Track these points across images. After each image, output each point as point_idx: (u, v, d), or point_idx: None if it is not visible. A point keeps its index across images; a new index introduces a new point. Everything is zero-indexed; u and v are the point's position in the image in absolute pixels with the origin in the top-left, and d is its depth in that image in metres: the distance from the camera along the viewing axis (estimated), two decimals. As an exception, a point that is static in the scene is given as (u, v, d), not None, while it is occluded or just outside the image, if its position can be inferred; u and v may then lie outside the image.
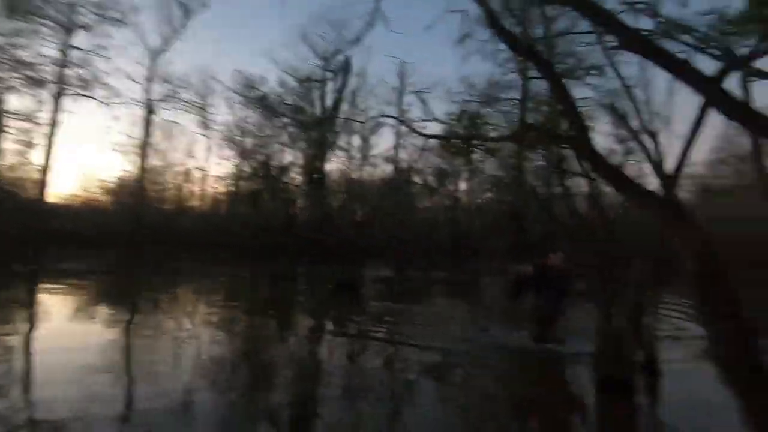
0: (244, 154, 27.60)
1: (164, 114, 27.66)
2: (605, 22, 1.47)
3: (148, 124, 26.21)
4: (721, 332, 1.13)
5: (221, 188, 30.04)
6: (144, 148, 26.21)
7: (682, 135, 3.17)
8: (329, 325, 6.89)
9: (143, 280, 12.69)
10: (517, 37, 1.96)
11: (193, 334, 5.62)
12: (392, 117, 24.77)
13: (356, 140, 28.45)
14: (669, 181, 2.29)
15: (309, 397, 3.65)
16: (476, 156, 21.99)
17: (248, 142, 28.01)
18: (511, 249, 21.91)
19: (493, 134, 6.83)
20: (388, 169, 26.90)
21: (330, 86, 23.49)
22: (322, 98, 23.88)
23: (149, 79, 26.05)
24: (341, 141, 24.87)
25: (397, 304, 9.20)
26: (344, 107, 24.40)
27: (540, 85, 24.97)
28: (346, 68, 21.67)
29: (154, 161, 28.76)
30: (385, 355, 4.95)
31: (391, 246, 23.24)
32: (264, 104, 19.67)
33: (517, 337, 5.48)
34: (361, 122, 21.09)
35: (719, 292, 1.18)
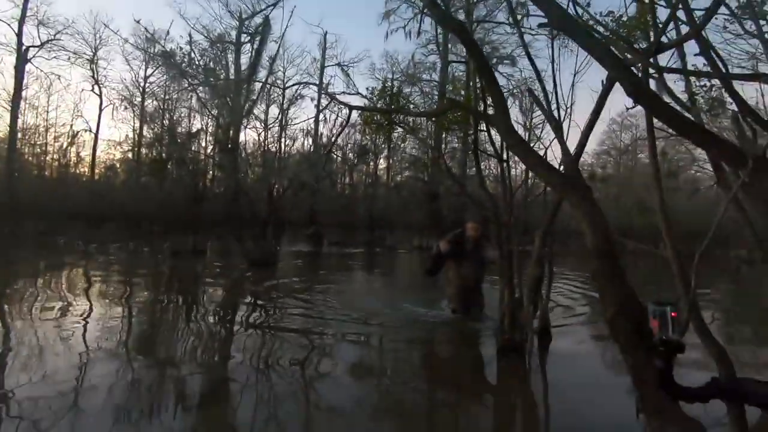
0: (145, 117, 24.84)
1: (43, 64, 23.74)
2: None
3: (20, 74, 22.23)
4: (614, 299, 1.29)
5: (117, 155, 26.87)
6: (16, 103, 22.25)
7: (581, 124, 3.47)
8: (241, 299, 6.63)
9: (14, 259, 10.99)
10: (442, 9, 1.95)
11: (71, 320, 5.00)
12: (315, 84, 23.94)
13: (274, 110, 27.15)
14: (572, 165, 2.50)
15: (219, 368, 3.46)
16: (396, 135, 22.29)
17: (150, 104, 25.27)
18: (426, 225, 22.85)
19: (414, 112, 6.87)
20: (307, 142, 26.23)
21: (247, 50, 21.86)
22: (237, 62, 22.19)
23: (22, 20, 21.97)
24: (257, 110, 23.51)
25: (313, 279, 9.13)
26: (261, 74, 22.98)
27: (459, 69, 26.02)
28: (264, 30, 20.29)
29: (29, 119, 24.75)
30: (299, 328, 4.86)
31: (309, 221, 22.86)
32: (170, 63, 17.72)
33: (435, 312, 5.50)
34: (281, 88, 20.09)
35: (612, 265, 1.34)
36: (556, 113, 3.70)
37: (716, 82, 5.41)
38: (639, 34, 2.89)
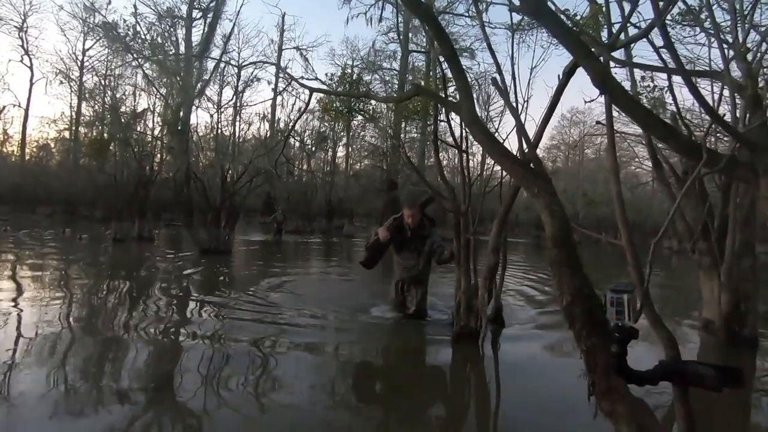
0: (84, 93, 22.96)
1: (-38, 29, 21.28)
2: None
3: (-66, 38, 19.78)
4: (570, 287, 1.34)
5: (52, 134, 24.74)
6: (-71, 70, 19.81)
7: (538, 116, 3.55)
8: (193, 295, 6.20)
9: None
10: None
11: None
12: (273, 64, 23.07)
13: (228, 93, 26.02)
14: (535, 156, 2.55)
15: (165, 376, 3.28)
16: (356, 123, 22.10)
17: (90, 79, 23.38)
18: (385, 213, 22.96)
19: (373, 100, 6.79)
20: (263, 127, 25.41)
21: (199, 26, 20.68)
22: (188, 38, 20.93)
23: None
24: (210, 90, 22.40)
25: (266, 271, 8.89)
26: (215, 53, 21.85)
27: (419, 59, 26.10)
28: (218, 4, 19.28)
29: (-54, 90, 22.15)
30: (250, 321, 4.69)
31: (265, 208, 22.24)
32: (112, 35, 16.38)
33: (381, 307, 5.14)
34: (236, 66, 19.19)
35: (569, 253, 1.38)
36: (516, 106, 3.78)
37: (659, 83, 5.76)
38: (591, 32, 2.99)
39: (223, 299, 5.66)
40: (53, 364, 3.06)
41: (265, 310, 5.00)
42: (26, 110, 23.74)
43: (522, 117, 3.70)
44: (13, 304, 4.73)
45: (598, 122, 5.24)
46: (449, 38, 2.04)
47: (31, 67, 23.31)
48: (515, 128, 2.41)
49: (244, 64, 22.99)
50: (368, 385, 3.30)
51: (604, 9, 2.24)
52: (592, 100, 1.89)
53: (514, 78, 3.75)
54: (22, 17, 22.48)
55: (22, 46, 22.82)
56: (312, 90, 3.56)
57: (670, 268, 13.31)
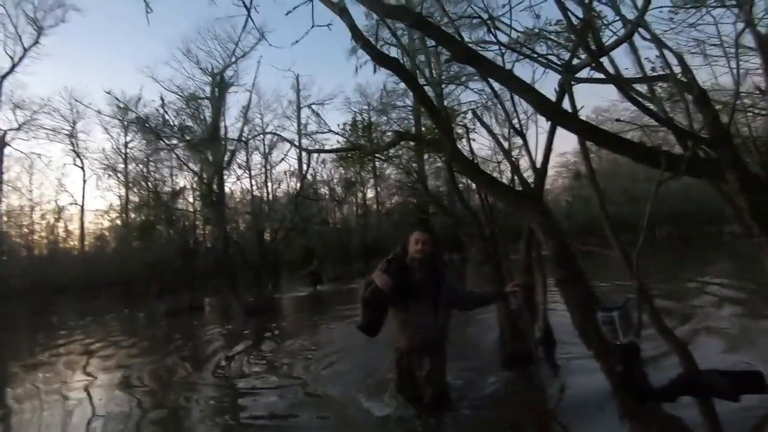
0: (129, 182, 24.96)
1: (22, 145, 24.01)
2: (436, 37, 1.60)
3: (0, 157, 22.41)
4: (579, 307, 1.29)
5: (105, 223, 26.83)
6: (-2, 186, 22.33)
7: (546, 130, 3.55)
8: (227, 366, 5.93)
9: (12, 341, 10.73)
10: (380, 51, 2.02)
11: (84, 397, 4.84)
12: (275, 134, 24.10)
13: (256, 157, 27.45)
14: (537, 174, 2.54)
15: None
16: (378, 164, 22.61)
17: (132, 169, 25.44)
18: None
19: (386, 141, 7.01)
20: (292, 183, 26.41)
21: (219, 103, 22.32)
22: (215, 116, 22.57)
23: (-3, 106, 22.34)
24: (239, 159, 23.73)
25: (309, 333, 8.84)
26: (238, 124, 23.38)
27: (431, 90, 26.66)
28: (222, 85, 20.90)
29: (13, 201, 24.73)
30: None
31: (305, 260, 22.69)
32: (145, 126, 17.99)
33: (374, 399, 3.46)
34: (243, 141, 20.30)
35: (572, 272, 1.35)
36: (517, 124, 3.81)
37: (677, 70, 5.61)
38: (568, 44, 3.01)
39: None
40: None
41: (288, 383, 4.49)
42: (82, 206, 25.96)
43: (533, 131, 3.70)
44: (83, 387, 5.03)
45: (617, 120, 5.17)
46: (418, 84, 2.14)
47: (82, 167, 25.68)
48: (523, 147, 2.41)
49: (250, 137, 23.76)
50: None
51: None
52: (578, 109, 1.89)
53: (512, 99, 3.80)
54: (71, 124, 25.07)
55: (74, 150, 25.27)
56: (309, 151, 3.74)
57: (730, 254, 12.28)
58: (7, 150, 22.77)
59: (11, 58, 22.60)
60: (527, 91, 1.34)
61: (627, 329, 1.03)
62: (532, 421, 2.96)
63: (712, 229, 23.90)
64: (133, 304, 17.02)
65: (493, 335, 5.15)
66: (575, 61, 2.93)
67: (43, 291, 18.66)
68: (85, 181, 25.98)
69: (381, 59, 2.09)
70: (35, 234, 26.05)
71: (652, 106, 3.02)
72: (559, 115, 1.35)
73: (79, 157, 25.54)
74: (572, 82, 1.89)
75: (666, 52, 2.23)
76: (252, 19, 3.53)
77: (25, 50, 22.83)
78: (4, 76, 22.47)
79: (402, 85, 27.70)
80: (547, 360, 4.27)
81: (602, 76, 2.21)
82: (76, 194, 26.52)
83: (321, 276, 17.32)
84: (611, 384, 1.36)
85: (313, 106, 26.70)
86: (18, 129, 23.13)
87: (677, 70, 2.46)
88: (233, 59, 22.40)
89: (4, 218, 23.11)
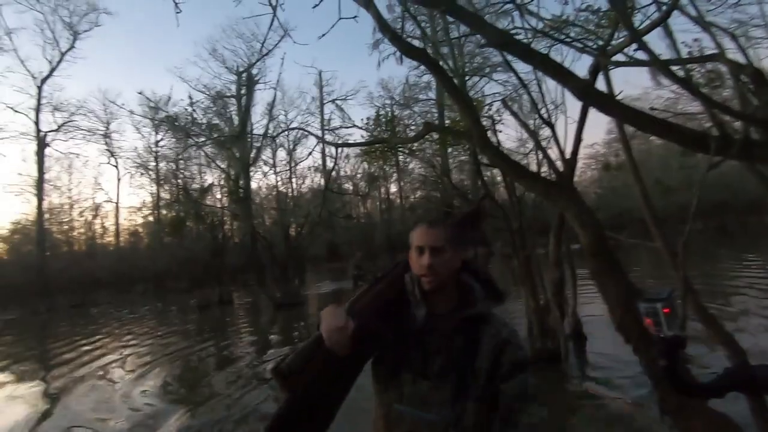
0: (160, 180, 25.79)
1: (61, 146, 25.12)
2: (471, 22, 1.57)
3: (41, 158, 23.52)
4: (617, 299, 1.25)
5: (138, 219, 27.85)
6: (40, 185, 23.44)
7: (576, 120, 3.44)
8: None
9: (54, 333, 11.31)
10: (407, 42, 2.01)
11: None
12: (300, 129, 24.31)
13: (281, 154, 27.83)
14: (567, 164, 2.47)
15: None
16: (401, 158, 22.54)
17: (163, 167, 26.25)
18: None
19: (410, 135, 6.96)
20: (317, 178, 26.68)
21: (243, 101, 22.76)
22: (240, 113, 23.03)
23: (38, 109, 23.43)
24: (264, 156, 24.14)
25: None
26: (264, 122, 23.79)
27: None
28: (249, 83, 21.22)
29: (54, 199, 25.97)
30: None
31: (331, 256, 22.94)
32: (174, 125, 18.52)
33: None
34: (270, 137, 20.59)
35: (609, 263, 1.30)
36: (546, 114, 3.70)
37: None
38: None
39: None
40: None
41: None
42: (117, 204, 27.02)
43: (562, 122, 3.62)
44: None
45: (652, 108, 4.98)
46: (445, 73, 2.11)
47: (116, 166, 26.68)
48: (535, 146, 2.36)
49: (276, 133, 24.04)
50: None
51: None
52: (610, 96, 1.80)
53: (540, 88, 3.71)
54: (105, 125, 26.05)
55: (108, 149, 26.28)
56: (335, 145, 3.74)
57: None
58: (47, 150, 23.87)
59: (49, 62, 23.64)
60: (565, 75, 1.30)
61: (672, 322, 0.99)
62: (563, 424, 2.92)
63: (754, 220, 22.77)
64: (165, 297, 17.64)
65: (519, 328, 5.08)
66: (607, 49, 2.83)
67: (83, 285, 19.54)
68: (119, 179, 27.05)
69: (408, 50, 2.07)
70: (74, 230, 27.32)
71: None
72: (600, 100, 1.29)
73: (113, 156, 26.58)
74: (608, 66, 1.81)
75: (705, 34, 2.11)
76: (278, 18, 3.56)
77: (62, 54, 23.80)
78: (44, 80, 23.50)
79: (425, 78, 27.45)
80: (578, 356, 4.18)
81: (638, 60, 2.12)
82: (111, 192, 27.67)
83: (363, 271, 16.27)
84: (651, 379, 1.31)
85: (336, 102, 26.80)
86: (57, 130, 24.21)
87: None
88: (258, 57, 22.75)
89: (46, 215, 24.28)
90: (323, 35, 3.49)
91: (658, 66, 1.32)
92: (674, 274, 1.57)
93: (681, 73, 3.07)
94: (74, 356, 7.22)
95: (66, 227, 26.91)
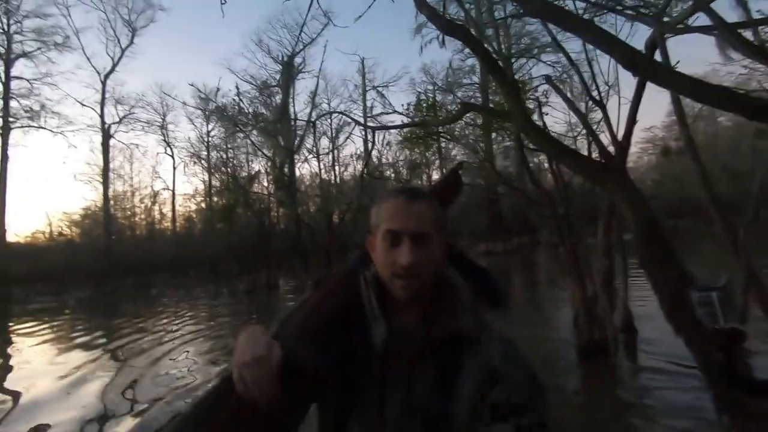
0: (211, 168, 27.05)
1: (123, 137, 26.91)
2: None
3: (107, 149, 25.35)
4: (668, 290, 1.16)
5: (193, 206, 29.44)
6: (106, 174, 25.32)
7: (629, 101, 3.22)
8: None
9: (123, 310, 12.30)
10: (446, 19, 1.96)
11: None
12: (341, 113, 24.45)
13: (324, 142, 28.27)
14: (618, 146, 2.32)
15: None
16: (443, 145, 22.19)
17: (214, 156, 27.47)
18: (490, 229, 22.24)
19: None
20: (359, 166, 26.87)
21: (290, 90, 23.28)
22: (284, 102, 23.63)
23: (103, 103, 25.18)
24: (308, 144, 24.64)
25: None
26: (307, 110, 24.22)
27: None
28: (289, 71, 21.63)
29: (118, 187, 27.94)
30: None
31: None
32: (223, 115, 19.32)
33: None
34: (312, 122, 20.94)
35: (661, 251, 1.21)
36: (597, 94, 3.49)
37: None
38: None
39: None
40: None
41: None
42: (173, 191, 28.64)
43: (615, 102, 3.41)
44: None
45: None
46: (487, 52, 2.02)
47: (172, 155, 28.23)
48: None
49: (316, 117, 24.45)
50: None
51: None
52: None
53: (591, 67, 3.50)
54: (162, 117, 27.58)
55: (165, 140, 27.84)
56: (373, 128, 3.75)
57: None
58: (111, 142, 25.68)
59: (111, 58, 25.27)
60: (614, 44, 1.20)
61: (728, 312, 0.90)
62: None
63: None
64: (217, 281, 18.62)
65: (566, 319, 4.92)
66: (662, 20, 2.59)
67: (144, 268, 21.01)
68: (175, 168, 28.62)
69: (447, 28, 2.01)
70: (136, 216, 29.34)
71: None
72: (650, 69, 1.19)
73: (169, 146, 28.13)
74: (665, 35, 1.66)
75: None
76: (318, 1, 3.59)
77: (123, 50, 25.35)
78: (107, 76, 25.19)
79: (468, 62, 26.72)
80: (628, 351, 4.00)
81: (703, 27, 1.93)
82: (168, 180, 29.33)
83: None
84: (705, 375, 1.22)
85: (378, 88, 26.72)
86: (119, 122, 25.95)
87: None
88: (301, 46, 23.11)
89: (111, 202, 26.22)
90: (360, 17, 3.48)
91: (728, 31, 1.18)
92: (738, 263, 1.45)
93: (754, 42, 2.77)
94: (153, 331, 7.87)
95: (129, 213, 28.95)
